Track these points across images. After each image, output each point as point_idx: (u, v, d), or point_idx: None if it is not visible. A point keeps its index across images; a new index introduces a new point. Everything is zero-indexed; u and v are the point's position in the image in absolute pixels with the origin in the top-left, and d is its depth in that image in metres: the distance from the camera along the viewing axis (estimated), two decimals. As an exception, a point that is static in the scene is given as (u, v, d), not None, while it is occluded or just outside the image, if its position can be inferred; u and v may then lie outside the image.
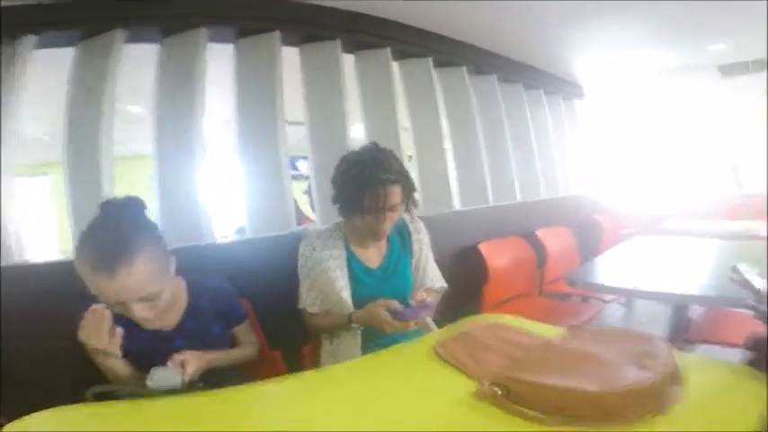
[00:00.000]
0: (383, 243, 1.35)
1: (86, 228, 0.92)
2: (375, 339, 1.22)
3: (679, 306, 1.71)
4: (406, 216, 1.39)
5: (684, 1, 2.39)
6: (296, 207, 3.93)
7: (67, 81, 1.73)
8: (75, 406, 0.82)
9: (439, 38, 2.67)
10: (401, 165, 1.25)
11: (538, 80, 3.55)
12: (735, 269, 0.85)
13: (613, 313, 3.19)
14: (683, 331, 1.73)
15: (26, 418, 0.76)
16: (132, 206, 0.98)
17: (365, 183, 1.16)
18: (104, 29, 1.76)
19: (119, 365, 0.98)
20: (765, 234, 2.26)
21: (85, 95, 1.68)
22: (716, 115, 6.02)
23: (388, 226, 1.22)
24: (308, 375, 1.02)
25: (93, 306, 0.90)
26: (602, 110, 4.96)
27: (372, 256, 1.34)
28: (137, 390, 0.92)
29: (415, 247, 1.38)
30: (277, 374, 1.22)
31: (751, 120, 5.87)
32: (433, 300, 1.19)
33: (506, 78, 3.21)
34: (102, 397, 0.90)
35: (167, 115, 1.81)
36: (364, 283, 1.30)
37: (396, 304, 1.12)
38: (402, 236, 1.39)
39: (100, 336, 0.90)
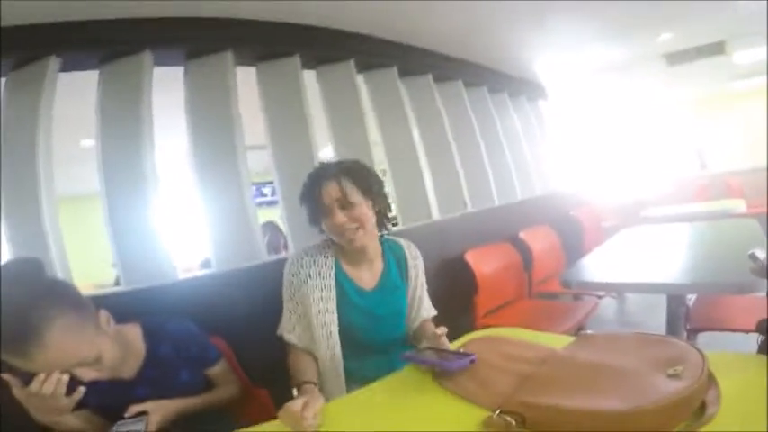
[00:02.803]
0: (378, 265, 1.23)
1: None
2: (359, 381, 1.10)
3: (673, 295, 1.67)
4: (402, 241, 1.30)
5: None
6: (279, 232, 3.78)
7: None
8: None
9: (401, 46, 2.63)
10: (352, 163, 1.18)
11: (501, 83, 3.57)
12: (753, 257, 0.78)
13: (606, 306, 3.17)
14: (683, 320, 1.69)
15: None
16: (24, 272, 0.84)
17: (308, 188, 1.15)
18: (36, 57, 1.62)
19: (70, 420, 0.89)
20: (744, 211, 2.29)
21: (18, 131, 1.54)
22: (675, 102, 6.26)
23: (350, 225, 1.10)
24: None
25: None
26: (566, 108, 5.05)
27: (365, 277, 1.21)
28: None
29: (412, 272, 1.27)
30: (267, 414, 1.11)
31: (709, 104, 6.12)
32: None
33: (470, 83, 3.20)
34: None
35: (113, 148, 1.67)
36: (356, 306, 1.17)
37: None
38: (398, 260, 1.27)
39: (55, 398, 0.80)
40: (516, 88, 3.79)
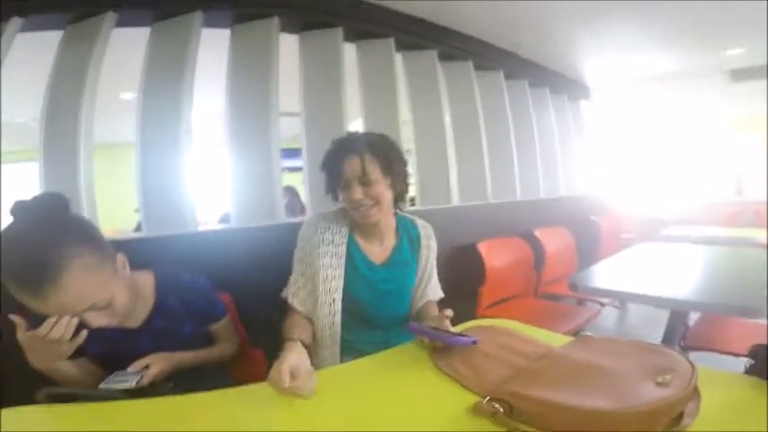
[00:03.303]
0: (390, 240, 1.25)
1: (2, 239, 0.75)
2: (353, 353, 1.13)
3: (676, 311, 1.67)
4: (418, 220, 1.31)
5: (699, 1, 2.32)
6: (297, 197, 3.89)
7: (52, 65, 1.66)
8: (30, 408, 0.75)
9: (444, 30, 2.59)
10: (378, 137, 1.17)
11: (544, 78, 3.48)
12: None
13: (608, 315, 3.17)
14: (680, 337, 1.70)
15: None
16: (50, 207, 0.81)
17: (331, 156, 1.16)
18: (94, 12, 1.68)
19: (67, 367, 0.88)
20: (766, 242, 2.22)
21: (67, 80, 1.61)
22: (721, 121, 5.97)
23: (366, 202, 1.11)
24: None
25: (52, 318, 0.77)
26: (608, 112, 4.87)
27: (376, 251, 1.23)
28: (94, 393, 0.83)
29: (423, 252, 1.28)
30: (260, 374, 1.17)
31: (755, 126, 5.81)
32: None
33: (511, 75, 3.14)
34: (56, 399, 0.80)
35: (153, 101, 1.74)
36: (363, 278, 1.19)
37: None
38: (411, 238, 1.28)
39: (60, 343, 0.79)
40: (559, 85, 3.69)
